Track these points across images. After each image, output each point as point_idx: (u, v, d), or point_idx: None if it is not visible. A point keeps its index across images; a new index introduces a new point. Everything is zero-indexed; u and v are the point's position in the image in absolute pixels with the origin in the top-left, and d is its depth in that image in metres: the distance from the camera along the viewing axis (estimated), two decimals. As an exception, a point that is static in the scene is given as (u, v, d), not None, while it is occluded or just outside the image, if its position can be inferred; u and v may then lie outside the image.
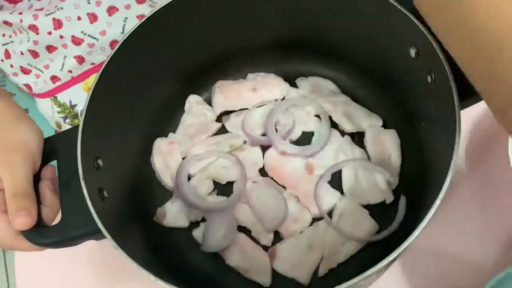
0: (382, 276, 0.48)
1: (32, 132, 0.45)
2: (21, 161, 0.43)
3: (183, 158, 0.58)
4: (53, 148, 0.46)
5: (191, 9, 0.52)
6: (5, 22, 0.65)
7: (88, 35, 0.66)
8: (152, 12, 0.49)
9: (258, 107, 0.59)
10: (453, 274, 0.51)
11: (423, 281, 0.52)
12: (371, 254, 0.49)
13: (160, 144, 0.58)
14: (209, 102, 0.62)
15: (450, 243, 0.53)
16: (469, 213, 0.54)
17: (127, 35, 0.48)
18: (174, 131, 0.60)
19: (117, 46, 0.48)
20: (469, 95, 0.38)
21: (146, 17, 0.49)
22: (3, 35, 0.68)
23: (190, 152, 0.57)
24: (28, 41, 0.66)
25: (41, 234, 0.41)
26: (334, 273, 0.49)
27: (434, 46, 0.42)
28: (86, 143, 0.43)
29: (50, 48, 0.68)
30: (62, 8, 0.63)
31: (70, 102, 0.74)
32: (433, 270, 0.52)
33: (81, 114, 0.46)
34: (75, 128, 0.44)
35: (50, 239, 0.41)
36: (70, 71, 0.71)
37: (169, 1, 0.49)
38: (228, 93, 0.60)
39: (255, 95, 0.60)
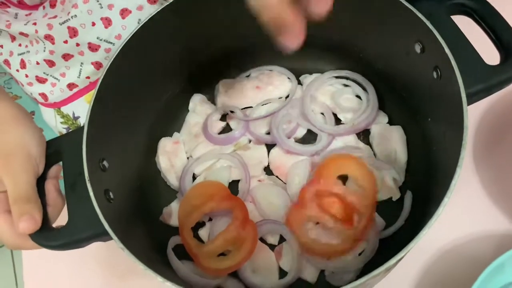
0: (389, 273, 0.48)
1: (31, 135, 0.45)
2: (21, 166, 0.43)
3: (188, 158, 0.57)
4: (58, 150, 0.46)
5: (193, 9, 0.51)
6: (21, 33, 0.65)
7: (104, 40, 0.66)
8: (153, 14, 0.49)
9: (263, 105, 0.59)
10: (461, 271, 0.50)
11: (430, 277, 0.51)
12: (378, 251, 0.49)
13: (165, 144, 0.58)
14: (213, 101, 0.62)
15: (457, 239, 0.52)
16: (478, 208, 0.53)
17: (128, 37, 0.48)
18: (178, 131, 0.60)
19: (119, 48, 0.48)
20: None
21: (147, 18, 0.49)
22: (19, 45, 0.67)
23: (194, 152, 0.57)
24: (44, 51, 0.66)
25: (48, 237, 0.41)
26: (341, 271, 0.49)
27: (440, 41, 0.41)
28: (91, 145, 0.43)
29: (66, 56, 0.67)
30: (75, 15, 0.62)
31: (73, 114, 0.74)
32: (440, 267, 0.51)
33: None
34: (80, 129, 0.44)
35: (57, 242, 0.41)
36: (88, 77, 0.70)
37: (169, 2, 0.49)
38: (232, 92, 0.60)
39: (259, 93, 0.60)
